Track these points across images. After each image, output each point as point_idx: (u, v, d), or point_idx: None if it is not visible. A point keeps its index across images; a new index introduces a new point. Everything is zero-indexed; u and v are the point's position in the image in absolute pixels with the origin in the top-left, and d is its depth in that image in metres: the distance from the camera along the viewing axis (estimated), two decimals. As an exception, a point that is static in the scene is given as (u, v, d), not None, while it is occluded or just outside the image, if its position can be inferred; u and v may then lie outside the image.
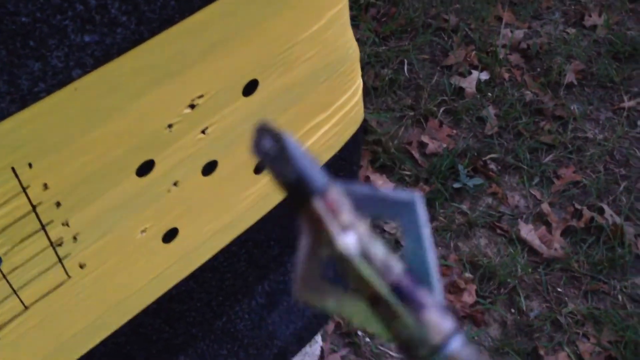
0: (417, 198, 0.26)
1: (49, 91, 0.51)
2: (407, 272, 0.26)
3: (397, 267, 0.26)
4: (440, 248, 1.76)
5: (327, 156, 0.92)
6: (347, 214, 0.26)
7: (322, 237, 0.26)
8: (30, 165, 0.54)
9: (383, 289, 0.26)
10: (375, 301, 0.26)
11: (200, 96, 0.65)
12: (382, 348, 1.58)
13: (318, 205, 0.26)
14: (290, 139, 0.26)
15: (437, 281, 0.26)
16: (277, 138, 0.26)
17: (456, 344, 0.25)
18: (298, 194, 0.26)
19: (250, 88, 0.70)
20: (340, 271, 0.27)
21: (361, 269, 0.26)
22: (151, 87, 0.59)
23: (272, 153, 0.26)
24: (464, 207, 1.83)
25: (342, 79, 0.83)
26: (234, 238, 0.84)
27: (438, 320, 0.25)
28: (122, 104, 0.57)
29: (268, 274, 0.95)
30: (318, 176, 0.26)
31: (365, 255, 0.26)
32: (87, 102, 0.54)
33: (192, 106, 0.65)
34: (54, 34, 0.48)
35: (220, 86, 0.66)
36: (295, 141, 0.26)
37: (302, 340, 1.17)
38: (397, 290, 0.26)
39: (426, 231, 0.26)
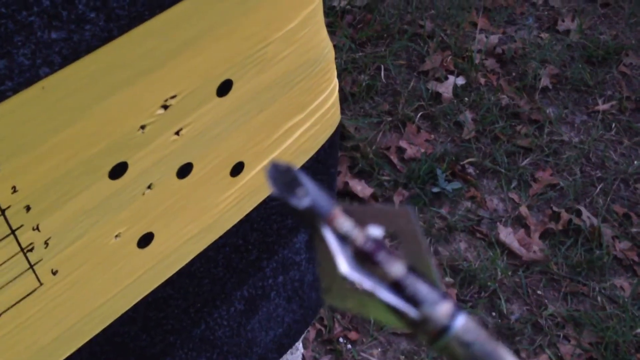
0: (410, 209, 0.31)
1: (16, 90, 0.49)
2: (408, 272, 0.31)
3: (399, 268, 0.31)
4: (420, 253, 1.76)
5: (303, 159, 0.91)
6: (348, 230, 0.32)
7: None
8: (-3, 167, 0.52)
9: (385, 299, 0.31)
10: (394, 286, 0.31)
11: (173, 96, 0.64)
12: (364, 354, 1.57)
13: (324, 229, 0.32)
14: (300, 173, 0.32)
15: (437, 275, 0.31)
16: (288, 172, 0.32)
17: (461, 320, 0.30)
18: (308, 219, 0.32)
19: (224, 88, 0.70)
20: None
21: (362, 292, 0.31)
22: (122, 87, 0.58)
23: (284, 186, 0.32)
24: (443, 211, 1.83)
25: (317, 80, 0.82)
26: (211, 242, 0.83)
27: (441, 306, 0.30)
28: (91, 103, 0.56)
29: (246, 279, 0.93)
30: (324, 203, 0.32)
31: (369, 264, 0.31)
32: (55, 101, 0.53)
33: (165, 107, 0.64)
34: (19, 30, 0.47)
35: (194, 86, 0.65)
36: (303, 174, 0.32)
37: (283, 347, 1.15)
38: (400, 287, 0.30)
39: (421, 235, 0.31)
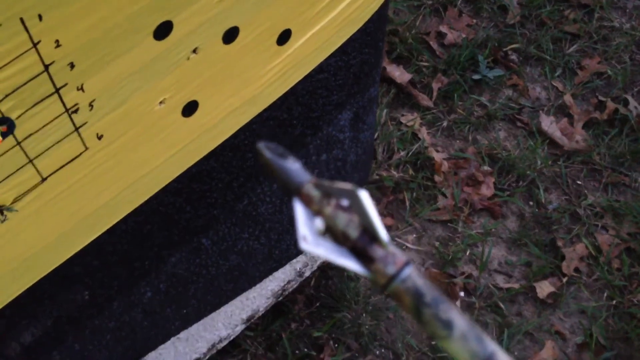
0: (366, 191, 0.36)
1: None
2: (362, 234, 0.36)
3: (355, 232, 0.36)
4: (458, 141, 1.72)
5: (350, 31, 0.86)
6: (316, 203, 0.37)
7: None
8: (40, 17, 0.49)
9: (340, 263, 0.37)
10: (353, 250, 0.37)
11: (221, -51, 0.59)
12: (398, 240, 1.57)
13: (296, 202, 0.38)
14: (283, 151, 0.38)
15: (386, 236, 0.36)
16: (274, 150, 0.38)
17: (407, 271, 0.36)
18: (287, 189, 0.38)
19: (273, -56, 0.64)
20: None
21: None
22: None
23: (269, 163, 0.38)
24: (483, 99, 1.78)
25: (370, -59, 0.76)
26: (255, 115, 0.80)
27: (391, 259, 0.36)
28: (137, -50, 0.52)
29: (290, 155, 0.91)
30: (296, 178, 0.38)
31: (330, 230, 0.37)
32: (98, -55, 0.49)
33: (211, -39, 0.59)
34: None
35: (242, -61, 0.60)
36: (284, 151, 0.38)
37: (322, 227, 1.15)
38: (357, 247, 0.36)
39: (374, 211, 0.36)
